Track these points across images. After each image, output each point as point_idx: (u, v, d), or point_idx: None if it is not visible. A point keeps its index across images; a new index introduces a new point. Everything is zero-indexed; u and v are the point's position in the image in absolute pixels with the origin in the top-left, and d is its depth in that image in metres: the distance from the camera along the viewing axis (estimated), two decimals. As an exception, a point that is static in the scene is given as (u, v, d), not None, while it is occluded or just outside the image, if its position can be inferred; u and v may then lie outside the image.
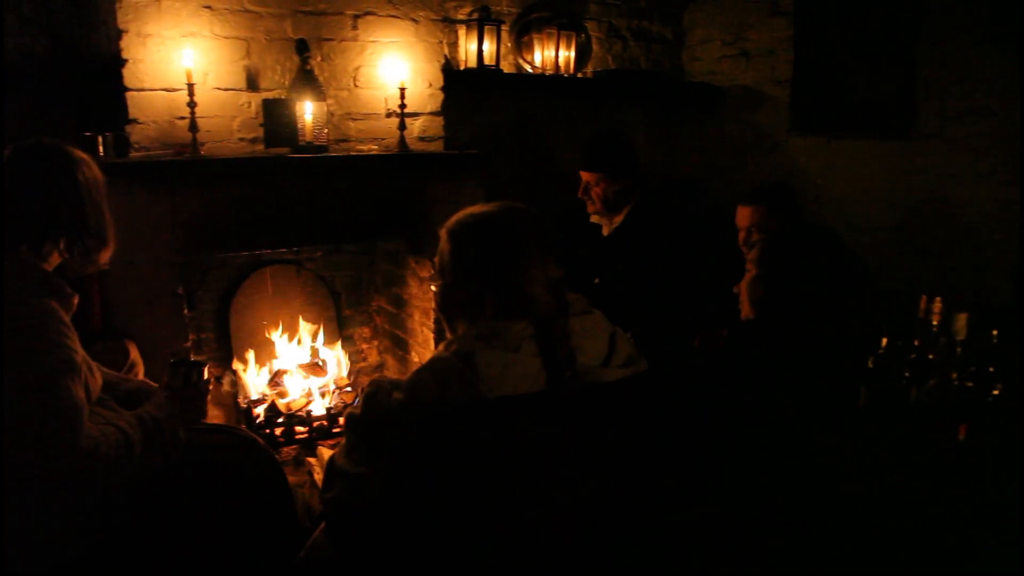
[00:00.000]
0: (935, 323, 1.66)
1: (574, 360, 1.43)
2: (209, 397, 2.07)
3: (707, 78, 4.41)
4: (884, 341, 1.56)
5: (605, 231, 3.30)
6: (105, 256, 1.94)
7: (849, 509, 1.48)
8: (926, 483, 1.46)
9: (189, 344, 2.99)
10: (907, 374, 1.58)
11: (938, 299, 1.69)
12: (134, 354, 2.69)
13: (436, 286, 1.60)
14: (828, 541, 1.48)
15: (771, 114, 4.13)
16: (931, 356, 1.59)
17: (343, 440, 1.58)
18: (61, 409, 1.64)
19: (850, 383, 1.62)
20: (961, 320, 1.62)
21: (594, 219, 3.33)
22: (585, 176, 3.16)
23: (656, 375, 1.53)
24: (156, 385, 2.19)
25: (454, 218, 1.58)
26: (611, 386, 1.45)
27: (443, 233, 1.57)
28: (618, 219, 3.23)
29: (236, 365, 3.45)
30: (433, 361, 1.44)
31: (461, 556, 1.43)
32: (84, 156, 1.90)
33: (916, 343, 1.61)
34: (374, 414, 1.45)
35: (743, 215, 2.70)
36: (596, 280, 3.27)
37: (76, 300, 1.89)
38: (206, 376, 2.04)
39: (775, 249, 1.79)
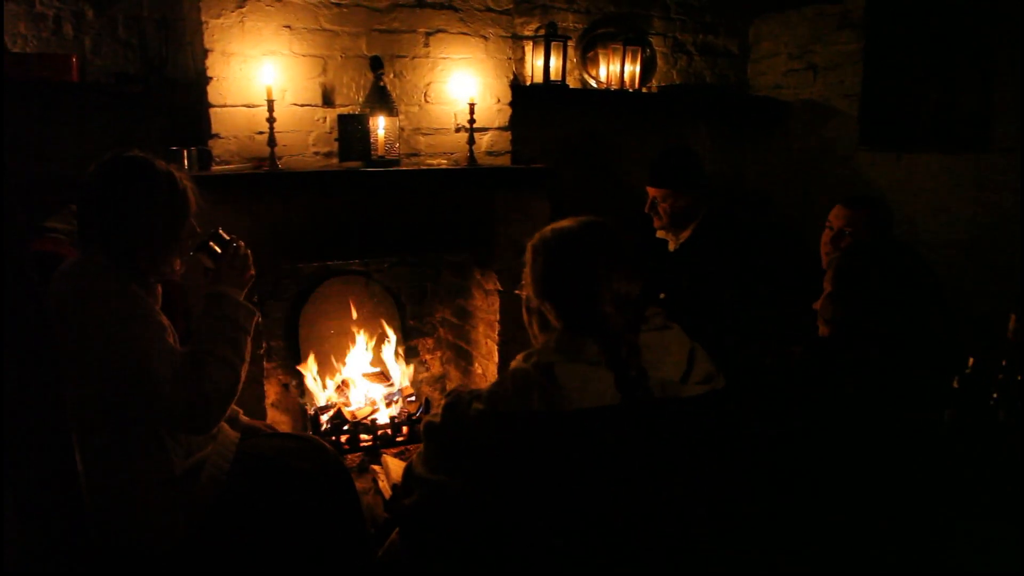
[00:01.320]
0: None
1: (646, 376, 1.44)
2: (247, 273, 2.07)
3: (773, 92, 4.37)
4: (971, 361, 1.53)
5: (671, 247, 3.29)
6: (174, 264, 1.98)
7: (936, 535, 1.45)
8: (1016, 508, 1.43)
9: (262, 351, 3.08)
10: (995, 395, 1.54)
11: (1027, 318, 1.65)
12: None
13: (521, 295, 1.63)
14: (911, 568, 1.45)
15: (840, 128, 4.07)
16: (1020, 377, 1.55)
17: (422, 448, 1.62)
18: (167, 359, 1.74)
19: (932, 404, 1.59)
20: (1050, 341, 1.58)
21: (660, 234, 3.32)
22: (652, 192, 3.16)
23: (735, 392, 1.53)
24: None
25: (538, 233, 1.61)
26: (688, 401, 1.45)
27: (528, 246, 1.60)
28: (684, 234, 3.22)
29: (303, 369, 3.53)
30: (513, 372, 1.47)
31: (536, 565, 1.45)
32: (167, 168, 1.96)
33: (1003, 363, 1.57)
34: (454, 423, 1.48)
35: (840, 214, 2.70)
36: (662, 295, 3.26)
37: (160, 290, 1.98)
38: (228, 238, 2.05)
39: (849, 267, 1.76)
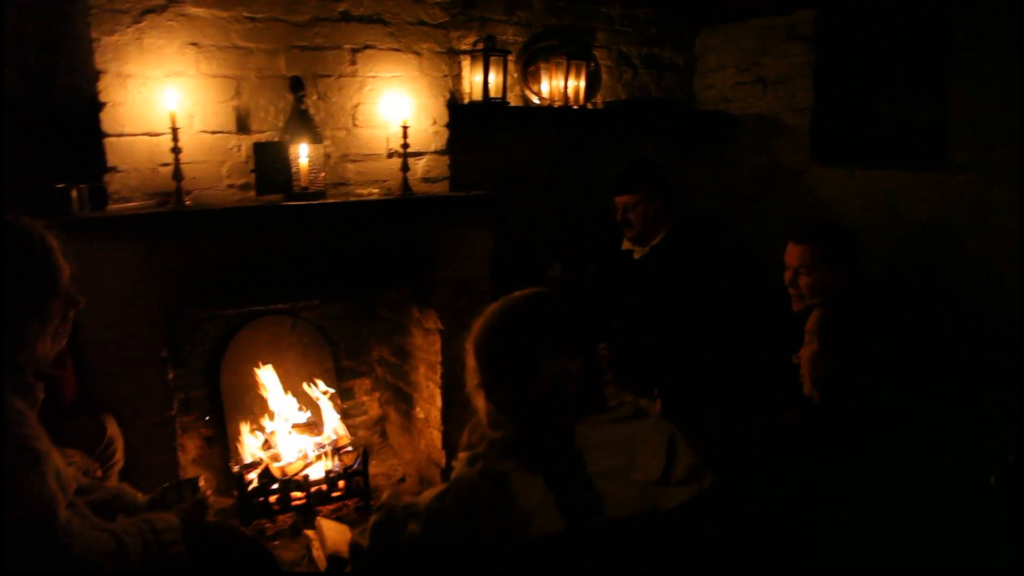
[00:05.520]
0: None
1: (589, 489, 1.18)
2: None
3: (721, 106, 4.21)
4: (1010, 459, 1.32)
5: (636, 255, 3.13)
6: (52, 352, 1.66)
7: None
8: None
9: (173, 411, 2.73)
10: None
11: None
12: (112, 429, 2.44)
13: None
14: None
15: (791, 144, 3.93)
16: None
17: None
18: (28, 503, 1.45)
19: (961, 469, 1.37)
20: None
21: (626, 245, 3.18)
22: (622, 200, 3.08)
23: (724, 493, 1.28)
24: (135, 493, 1.97)
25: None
26: (669, 516, 1.19)
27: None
28: (653, 243, 3.12)
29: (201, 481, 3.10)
30: (457, 484, 1.19)
31: None
32: (26, 231, 1.60)
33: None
34: (384, 550, 1.20)
35: (793, 253, 2.45)
36: (614, 321, 3.06)
37: (40, 392, 1.65)
38: (201, 489, 1.96)
39: (835, 320, 1.54)
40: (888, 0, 3.45)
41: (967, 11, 3.10)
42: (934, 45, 3.30)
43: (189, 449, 3.31)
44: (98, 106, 2.52)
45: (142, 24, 2.51)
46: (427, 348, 3.17)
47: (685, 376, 2.63)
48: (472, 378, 1.35)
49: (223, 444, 3.32)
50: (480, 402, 1.33)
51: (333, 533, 2.81)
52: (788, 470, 1.47)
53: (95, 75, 2.51)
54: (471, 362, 1.35)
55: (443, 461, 3.14)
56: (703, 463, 1.26)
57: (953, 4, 3.15)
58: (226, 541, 1.96)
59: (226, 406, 3.30)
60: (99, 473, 2.31)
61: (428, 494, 1.21)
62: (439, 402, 3.12)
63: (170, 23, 2.55)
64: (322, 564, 2.72)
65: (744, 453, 1.74)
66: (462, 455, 1.26)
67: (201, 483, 2.01)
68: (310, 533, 2.89)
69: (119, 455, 2.48)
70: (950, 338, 2.94)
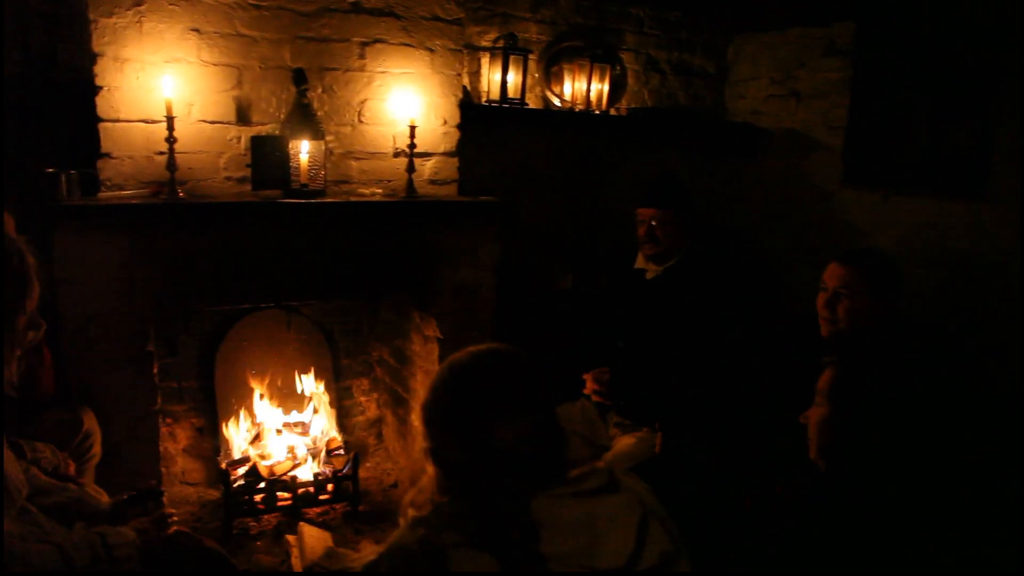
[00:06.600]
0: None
1: (542, 570, 1.06)
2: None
3: (751, 118, 4.04)
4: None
5: (649, 275, 2.98)
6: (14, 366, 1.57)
7: None
8: None
9: (156, 406, 2.65)
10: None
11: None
12: (89, 423, 2.37)
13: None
14: None
15: (822, 162, 3.74)
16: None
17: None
18: None
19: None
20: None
21: (640, 263, 3.02)
22: (650, 213, 2.89)
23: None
24: (98, 497, 1.89)
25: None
26: None
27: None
28: (668, 263, 2.96)
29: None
30: (393, 552, 1.08)
31: None
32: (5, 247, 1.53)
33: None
34: None
35: (835, 274, 2.26)
36: (619, 344, 2.93)
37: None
38: (165, 506, 1.86)
39: (850, 382, 1.38)
40: (933, 18, 3.24)
41: (1016, 35, 2.90)
42: (979, 68, 3.10)
43: (180, 439, 3.25)
44: (94, 90, 2.43)
45: (142, 7, 2.42)
46: (426, 356, 3.06)
47: (688, 411, 2.49)
48: (420, 440, 1.24)
49: (214, 435, 3.25)
50: (428, 466, 1.22)
51: (313, 542, 2.72)
52: (780, 555, 1.32)
53: (92, 58, 2.42)
54: (418, 424, 1.24)
55: (435, 472, 3.04)
56: (680, 548, 1.13)
57: (1002, 27, 2.95)
58: (188, 556, 1.87)
59: (218, 398, 3.24)
60: (72, 468, 2.24)
61: (365, 556, 1.11)
62: (433, 412, 3.01)
63: (171, 7, 2.46)
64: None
65: (733, 525, 1.59)
66: (410, 512, 1.15)
67: (164, 499, 1.93)
68: (291, 539, 2.80)
69: (96, 449, 2.41)
70: (991, 393, 2.73)
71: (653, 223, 2.87)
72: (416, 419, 1.27)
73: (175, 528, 1.80)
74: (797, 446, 1.48)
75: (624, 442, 2.72)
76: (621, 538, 1.11)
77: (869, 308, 2.22)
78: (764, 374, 2.60)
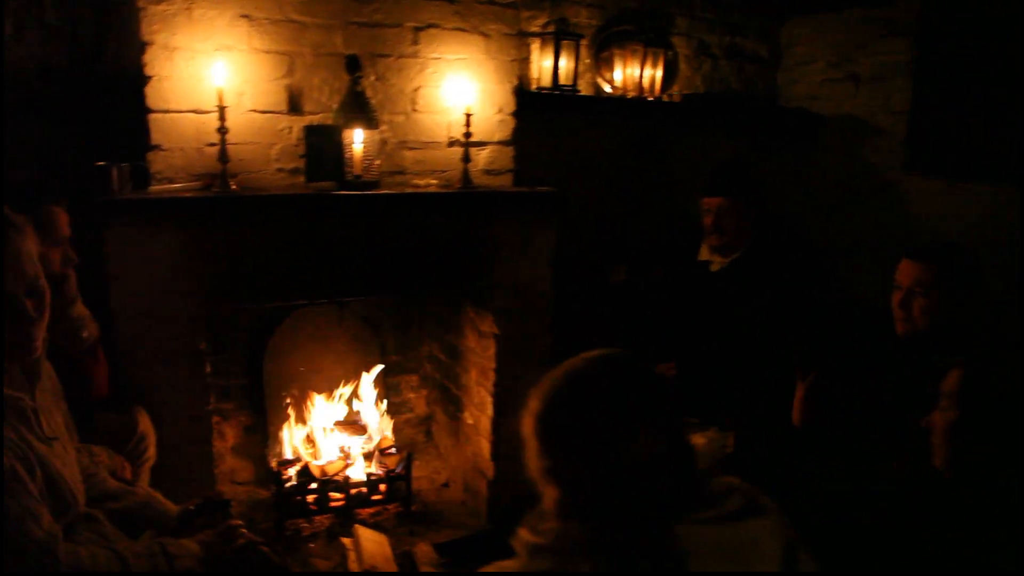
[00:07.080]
0: None
1: None
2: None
3: (807, 103, 3.89)
4: None
5: (715, 267, 2.87)
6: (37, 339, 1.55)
7: None
8: None
9: (211, 406, 2.58)
10: None
11: None
12: (144, 424, 2.30)
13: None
14: None
15: (883, 149, 3.60)
16: None
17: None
18: None
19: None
20: None
21: (704, 255, 2.91)
22: (716, 203, 2.80)
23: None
24: (166, 503, 1.82)
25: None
26: None
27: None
28: (735, 255, 2.86)
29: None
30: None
31: None
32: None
33: None
34: None
35: (907, 271, 2.13)
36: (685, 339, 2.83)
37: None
38: (233, 516, 1.80)
39: (983, 383, 1.27)
40: (1004, -1, 3.08)
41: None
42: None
43: (229, 437, 3.19)
44: (143, 80, 2.36)
45: (193, -8, 2.34)
46: (481, 352, 2.96)
47: (763, 409, 2.38)
48: (535, 460, 1.14)
49: (264, 433, 3.18)
50: (547, 488, 1.11)
51: (370, 544, 2.64)
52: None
53: (141, 47, 2.34)
54: (533, 443, 1.14)
55: (491, 472, 2.95)
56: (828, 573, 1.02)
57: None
58: (256, 571, 1.80)
59: (268, 395, 3.16)
60: (128, 471, 2.18)
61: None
62: (490, 410, 2.92)
63: (222, -8, 2.37)
64: (356, 574, 2.55)
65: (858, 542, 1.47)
66: (525, 536, 1.05)
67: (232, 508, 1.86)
68: (346, 542, 2.72)
69: (151, 451, 2.35)
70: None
71: (720, 212, 2.75)
72: (526, 432, 1.15)
73: (243, 540, 1.72)
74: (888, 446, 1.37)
75: (694, 441, 2.60)
76: (769, 567, 1.01)
77: (948, 302, 2.09)
78: (835, 369, 2.48)
